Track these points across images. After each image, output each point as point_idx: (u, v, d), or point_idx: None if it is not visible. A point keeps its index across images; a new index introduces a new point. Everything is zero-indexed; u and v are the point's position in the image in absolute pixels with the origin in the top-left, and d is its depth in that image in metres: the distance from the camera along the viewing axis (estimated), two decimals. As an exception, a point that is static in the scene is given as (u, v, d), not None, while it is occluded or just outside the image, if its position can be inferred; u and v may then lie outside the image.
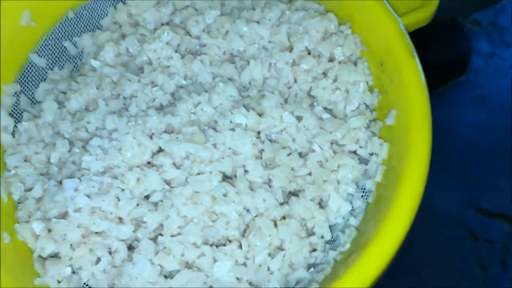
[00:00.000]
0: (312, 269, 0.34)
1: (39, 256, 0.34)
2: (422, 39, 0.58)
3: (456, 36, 0.61)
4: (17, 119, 0.38)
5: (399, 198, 0.32)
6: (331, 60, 0.39)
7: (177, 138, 0.36)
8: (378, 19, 0.37)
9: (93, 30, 0.43)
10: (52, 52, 0.41)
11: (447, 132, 0.56)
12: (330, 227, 0.36)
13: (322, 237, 0.35)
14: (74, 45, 0.42)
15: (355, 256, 0.32)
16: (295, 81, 0.39)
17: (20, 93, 0.39)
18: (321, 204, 0.36)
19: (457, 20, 0.61)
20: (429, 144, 0.33)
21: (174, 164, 0.36)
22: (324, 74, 0.39)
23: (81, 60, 0.42)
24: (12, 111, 0.38)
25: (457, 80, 0.59)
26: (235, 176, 0.36)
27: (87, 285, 0.34)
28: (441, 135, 0.55)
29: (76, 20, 0.42)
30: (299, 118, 0.37)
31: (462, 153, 0.54)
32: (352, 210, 0.36)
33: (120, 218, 0.34)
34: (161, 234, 0.34)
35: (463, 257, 0.50)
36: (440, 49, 0.60)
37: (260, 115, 0.37)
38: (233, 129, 0.36)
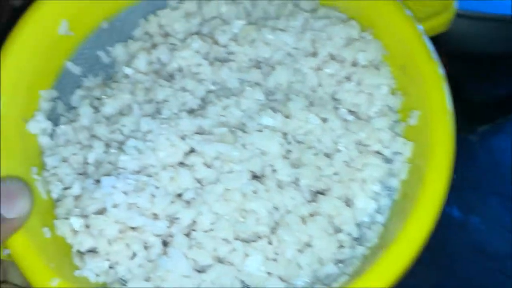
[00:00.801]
0: (340, 265, 0.35)
1: (78, 251, 0.35)
2: (480, 72, 0.59)
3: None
4: (54, 123, 0.40)
5: (423, 195, 0.34)
6: (354, 64, 0.41)
7: (208, 138, 0.37)
8: (398, 25, 0.39)
9: (125, 40, 0.45)
10: (87, 61, 0.43)
11: (501, 166, 0.55)
12: (357, 225, 0.37)
13: (349, 234, 0.37)
14: (107, 54, 0.44)
15: (383, 251, 0.33)
16: (320, 85, 0.40)
17: (57, 99, 0.41)
18: (348, 203, 0.38)
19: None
20: (452, 142, 0.35)
21: (205, 163, 0.37)
22: (348, 78, 0.40)
23: (113, 68, 0.44)
24: (50, 115, 0.40)
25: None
26: (264, 175, 0.37)
27: (123, 280, 0.35)
28: (494, 168, 0.56)
29: (110, 30, 0.44)
30: (324, 120, 0.39)
31: (516, 187, 0.53)
32: (378, 208, 0.37)
33: (155, 214, 0.36)
34: (194, 230, 0.35)
35: (514, 294, 0.48)
36: (498, 81, 0.60)
37: (286, 117, 0.39)
38: (260, 130, 0.38)
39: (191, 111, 0.40)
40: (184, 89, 0.41)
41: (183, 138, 0.38)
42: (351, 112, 0.40)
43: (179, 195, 0.37)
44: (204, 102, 0.40)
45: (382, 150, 0.38)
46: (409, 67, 0.38)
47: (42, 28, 0.39)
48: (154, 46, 0.44)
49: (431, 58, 0.37)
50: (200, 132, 0.38)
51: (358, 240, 0.37)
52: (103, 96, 0.41)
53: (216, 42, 0.43)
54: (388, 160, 0.38)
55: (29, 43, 0.38)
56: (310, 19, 0.42)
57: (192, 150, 0.38)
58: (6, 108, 0.36)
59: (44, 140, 0.38)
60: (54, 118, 0.40)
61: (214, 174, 0.37)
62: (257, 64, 0.42)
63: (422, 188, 0.34)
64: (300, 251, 0.36)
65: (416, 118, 0.37)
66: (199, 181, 0.37)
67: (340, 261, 0.36)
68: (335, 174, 0.38)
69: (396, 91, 0.39)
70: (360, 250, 0.35)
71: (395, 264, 0.32)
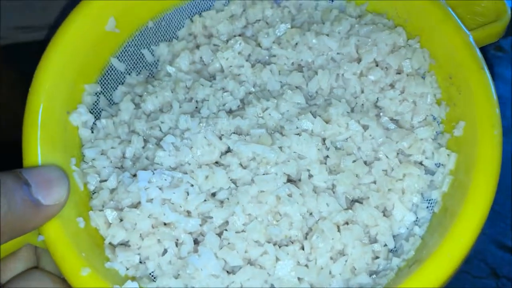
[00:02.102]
0: (374, 276, 0.34)
1: (110, 243, 0.35)
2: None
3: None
4: (96, 117, 0.41)
5: (465, 210, 0.32)
6: (399, 72, 0.40)
7: (245, 139, 0.37)
8: (448, 33, 0.37)
9: (169, 40, 0.45)
10: (131, 58, 0.44)
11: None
12: (394, 236, 0.36)
13: (385, 245, 0.35)
14: (151, 53, 0.45)
15: (418, 265, 0.32)
16: (362, 91, 0.40)
17: (100, 93, 0.42)
18: (385, 213, 0.36)
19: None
20: (499, 157, 0.33)
21: (240, 164, 0.37)
22: (392, 85, 0.39)
23: (156, 67, 0.45)
24: (92, 109, 0.41)
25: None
26: (300, 180, 0.37)
27: (152, 275, 0.35)
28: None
29: (155, 29, 0.44)
30: (365, 127, 0.38)
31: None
32: (416, 220, 0.36)
33: (188, 212, 0.35)
34: (226, 230, 0.35)
35: (484, 296, 0.47)
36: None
37: (326, 122, 0.38)
38: (299, 134, 0.37)
39: (230, 112, 0.39)
40: (224, 89, 0.41)
41: (220, 137, 0.38)
42: (393, 120, 0.39)
43: (213, 194, 0.36)
44: (243, 103, 0.40)
45: (424, 160, 0.37)
46: (456, 77, 0.37)
47: (90, 23, 0.40)
48: (198, 46, 0.44)
49: (480, 68, 0.36)
50: (238, 132, 0.38)
51: (394, 251, 0.35)
52: (144, 93, 0.41)
53: (259, 45, 0.43)
54: (429, 172, 0.37)
55: (76, 37, 0.39)
56: (356, 24, 0.41)
57: (228, 150, 0.38)
58: (49, 99, 0.37)
59: (85, 133, 0.39)
60: (95, 112, 0.41)
61: (249, 175, 0.36)
62: (299, 68, 0.42)
63: (464, 203, 0.32)
64: (333, 259, 0.35)
65: (462, 129, 0.35)
66: (234, 181, 0.37)
67: (375, 272, 0.34)
68: (373, 183, 0.37)
69: (441, 101, 0.38)
70: (396, 261, 0.34)
71: (430, 280, 0.30)
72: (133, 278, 0.34)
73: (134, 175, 0.36)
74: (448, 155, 0.36)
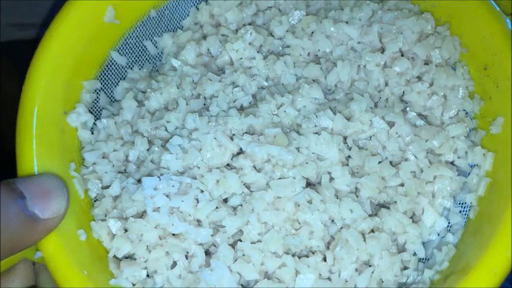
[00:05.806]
0: (404, 289, 0.31)
1: (114, 257, 0.32)
2: None
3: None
4: (96, 116, 0.37)
5: (508, 217, 0.29)
6: (427, 63, 0.36)
7: (258, 139, 0.34)
8: (482, 19, 0.34)
9: (174, 30, 0.42)
10: (133, 51, 0.40)
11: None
12: (424, 244, 0.33)
13: (414, 254, 0.32)
14: (155, 45, 0.41)
15: (455, 279, 0.29)
16: (386, 84, 0.36)
17: (99, 90, 0.38)
18: (414, 219, 0.33)
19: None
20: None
21: (254, 167, 0.34)
22: (419, 78, 0.36)
23: (160, 60, 0.41)
24: (91, 108, 0.37)
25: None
26: (319, 183, 0.34)
27: (161, 291, 0.32)
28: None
29: (158, 19, 0.41)
30: (390, 124, 0.34)
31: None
32: (448, 226, 0.33)
33: (198, 221, 0.32)
34: (240, 240, 0.32)
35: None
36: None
37: (347, 119, 0.35)
38: (317, 133, 0.34)
39: (241, 109, 0.36)
40: (234, 84, 0.37)
41: (231, 138, 0.34)
42: (421, 116, 0.35)
43: (225, 200, 0.33)
44: (256, 99, 0.37)
45: (456, 161, 0.34)
46: (492, 67, 0.33)
47: (87, 14, 0.36)
48: (204, 37, 0.40)
49: (520, 57, 0.32)
50: (251, 132, 0.35)
51: (424, 261, 0.32)
52: (148, 89, 0.38)
53: (271, 34, 0.39)
54: (462, 173, 0.34)
55: (72, 30, 0.36)
56: (378, 10, 0.38)
57: (240, 152, 0.34)
58: (44, 99, 0.33)
59: (84, 134, 0.36)
60: (95, 112, 0.38)
61: (264, 179, 0.33)
62: (316, 59, 0.38)
63: (507, 209, 0.29)
64: (358, 270, 0.32)
65: (500, 126, 0.32)
66: (247, 186, 0.34)
67: (404, 285, 0.31)
68: (401, 185, 0.34)
69: (474, 94, 0.35)
70: (428, 273, 0.31)
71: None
72: (140, 295, 0.31)
73: (139, 181, 0.33)
74: (484, 154, 0.33)
